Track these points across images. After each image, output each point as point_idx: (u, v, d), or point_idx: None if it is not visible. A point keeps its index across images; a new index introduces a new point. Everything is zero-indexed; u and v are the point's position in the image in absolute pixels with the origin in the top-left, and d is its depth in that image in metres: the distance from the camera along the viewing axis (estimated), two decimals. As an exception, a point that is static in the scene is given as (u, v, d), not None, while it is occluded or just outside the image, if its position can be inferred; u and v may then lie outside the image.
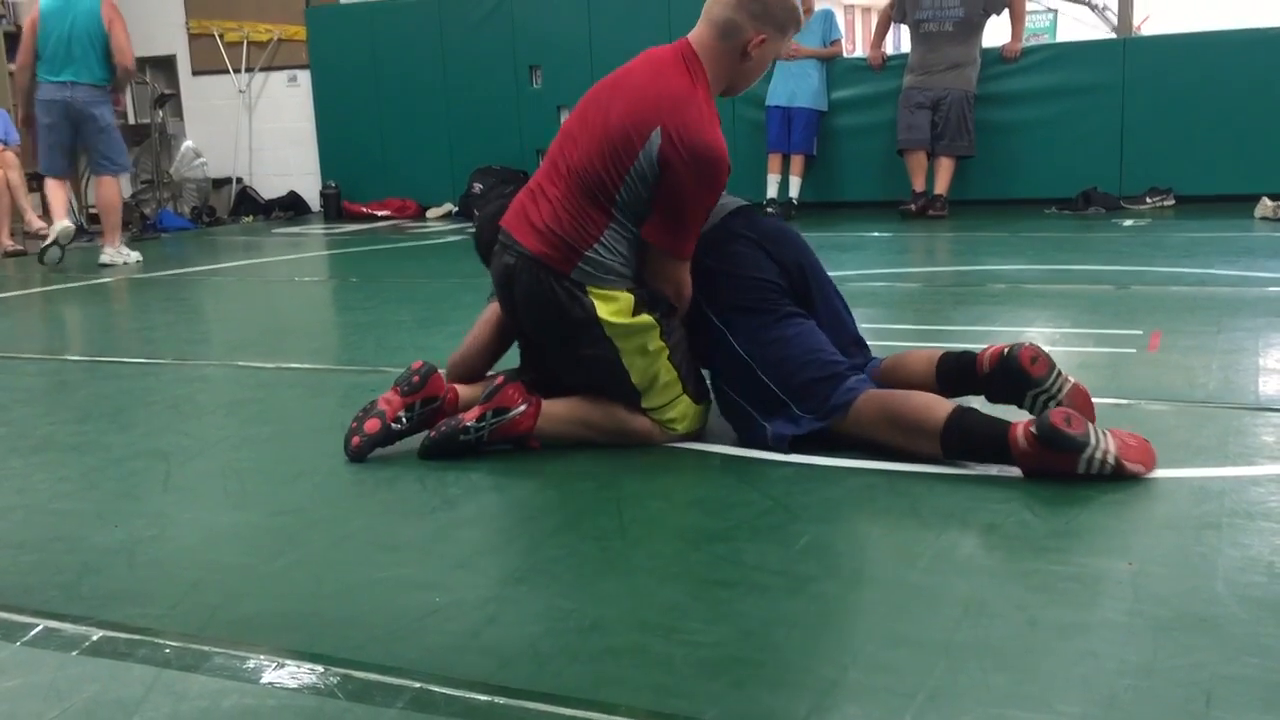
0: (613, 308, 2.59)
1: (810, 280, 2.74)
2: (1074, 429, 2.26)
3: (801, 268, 2.73)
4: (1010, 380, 2.52)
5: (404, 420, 2.68)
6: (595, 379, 2.68)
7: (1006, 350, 2.54)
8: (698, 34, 2.64)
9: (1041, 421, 2.28)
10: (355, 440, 2.66)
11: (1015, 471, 2.34)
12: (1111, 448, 2.27)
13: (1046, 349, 2.59)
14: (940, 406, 2.43)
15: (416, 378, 2.72)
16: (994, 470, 2.37)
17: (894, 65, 8.27)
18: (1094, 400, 2.57)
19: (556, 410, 2.69)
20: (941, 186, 7.87)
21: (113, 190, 7.09)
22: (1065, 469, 2.27)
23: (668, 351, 2.64)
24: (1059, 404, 2.46)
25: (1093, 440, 2.26)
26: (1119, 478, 2.27)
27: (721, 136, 2.57)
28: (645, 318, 2.60)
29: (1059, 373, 2.52)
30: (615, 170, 2.54)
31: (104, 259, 6.99)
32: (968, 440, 2.39)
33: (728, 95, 2.72)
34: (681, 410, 2.68)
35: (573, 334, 2.63)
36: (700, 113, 2.54)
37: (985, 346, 2.61)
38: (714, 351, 2.69)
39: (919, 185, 7.91)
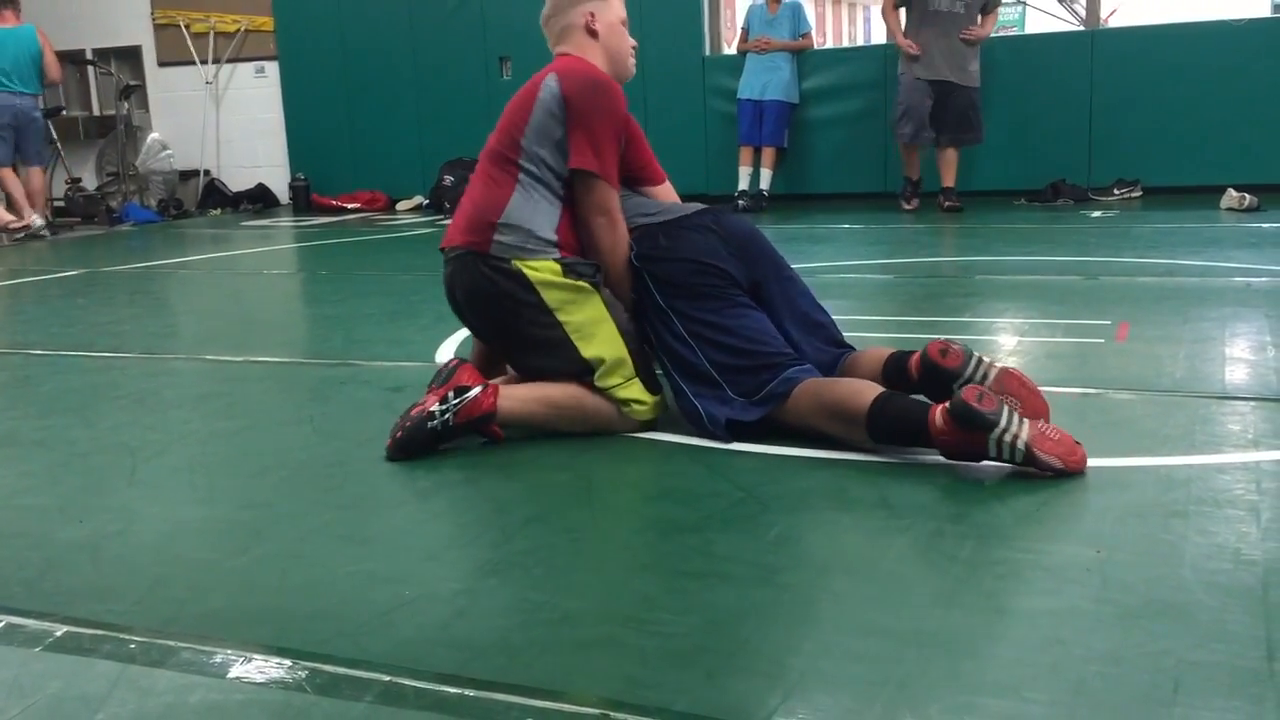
0: (542, 272, 2.68)
1: (773, 283, 2.77)
2: (984, 406, 2.26)
3: (764, 269, 2.76)
4: (932, 379, 2.53)
5: (438, 413, 2.60)
6: (550, 362, 2.71)
7: (922, 352, 2.58)
8: (564, 49, 2.91)
9: (955, 398, 2.30)
10: (397, 434, 2.60)
11: (984, 463, 2.34)
12: (1024, 434, 2.26)
13: (1016, 339, 2.61)
14: (868, 392, 2.44)
15: (453, 362, 2.74)
16: (962, 461, 2.38)
17: (868, 53, 8.25)
18: (1063, 390, 2.58)
19: (518, 391, 2.71)
20: (951, 178, 7.66)
21: (42, 177, 9.04)
22: (977, 449, 2.28)
23: (612, 323, 2.68)
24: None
25: (1003, 421, 2.26)
26: (1032, 467, 2.26)
27: (613, 80, 2.81)
28: (576, 280, 2.68)
29: (977, 359, 2.53)
30: (519, 122, 2.74)
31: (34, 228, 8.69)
32: (891, 424, 2.40)
33: (621, 80, 2.88)
34: (637, 392, 2.68)
35: (517, 316, 2.69)
36: (589, 64, 2.82)
37: (912, 355, 2.63)
38: (658, 335, 2.72)
39: (916, 173, 7.73)
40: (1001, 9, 7.96)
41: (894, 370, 2.64)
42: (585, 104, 2.71)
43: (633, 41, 2.96)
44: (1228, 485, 2.22)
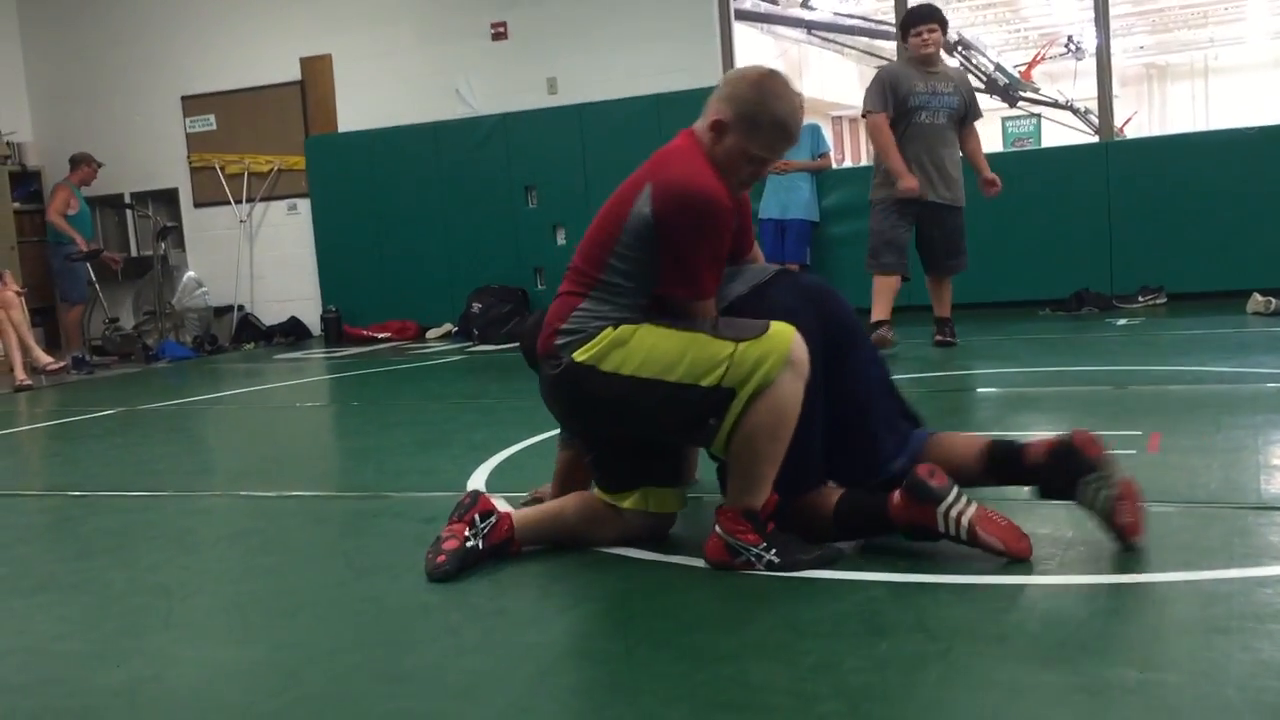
0: (593, 346, 2.59)
1: (851, 350, 2.71)
2: (935, 481, 2.42)
3: (841, 321, 2.72)
4: (1067, 466, 2.50)
5: (471, 536, 2.69)
6: (670, 417, 2.57)
7: (1063, 436, 2.56)
8: (696, 124, 2.70)
9: (910, 474, 2.45)
10: (439, 559, 2.66)
11: (1022, 579, 2.33)
12: (969, 513, 2.41)
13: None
14: (831, 496, 2.62)
15: (466, 498, 2.79)
16: (1000, 579, 2.36)
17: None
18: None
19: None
20: (947, 309, 6.66)
21: (65, 315, 10.03)
22: (928, 524, 2.43)
23: (649, 325, 2.56)
24: (1112, 494, 2.46)
25: (950, 497, 2.40)
26: (976, 546, 2.42)
27: (714, 182, 2.56)
28: (604, 332, 2.59)
29: (1115, 461, 2.53)
30: (610, 234, 2.61)
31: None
32: (856, 515, 2.58)
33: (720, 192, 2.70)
34: (770, 349, 2.47)
35: (598, 403, 2.62)
36: (689, 164, 2.59)
37: (1032, 440, 2.64)
38: None
39: (887, 312, 6.49)
40: (1017, 123, 8.03)
41: (1001, 455, 2.64)
42: (678, 230, 2.54)
43: (758, 175, 2.69)
44: (1270, 599, 2.19)
